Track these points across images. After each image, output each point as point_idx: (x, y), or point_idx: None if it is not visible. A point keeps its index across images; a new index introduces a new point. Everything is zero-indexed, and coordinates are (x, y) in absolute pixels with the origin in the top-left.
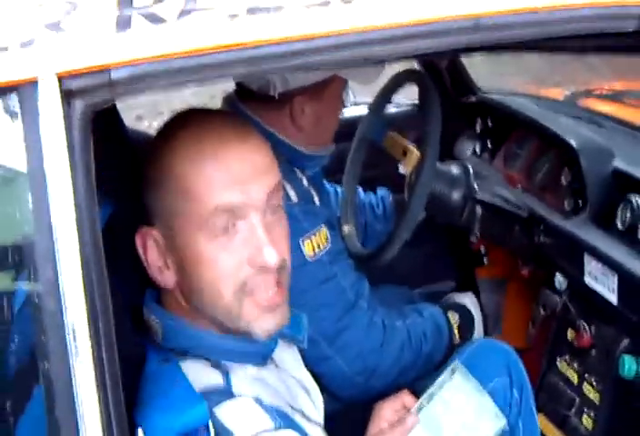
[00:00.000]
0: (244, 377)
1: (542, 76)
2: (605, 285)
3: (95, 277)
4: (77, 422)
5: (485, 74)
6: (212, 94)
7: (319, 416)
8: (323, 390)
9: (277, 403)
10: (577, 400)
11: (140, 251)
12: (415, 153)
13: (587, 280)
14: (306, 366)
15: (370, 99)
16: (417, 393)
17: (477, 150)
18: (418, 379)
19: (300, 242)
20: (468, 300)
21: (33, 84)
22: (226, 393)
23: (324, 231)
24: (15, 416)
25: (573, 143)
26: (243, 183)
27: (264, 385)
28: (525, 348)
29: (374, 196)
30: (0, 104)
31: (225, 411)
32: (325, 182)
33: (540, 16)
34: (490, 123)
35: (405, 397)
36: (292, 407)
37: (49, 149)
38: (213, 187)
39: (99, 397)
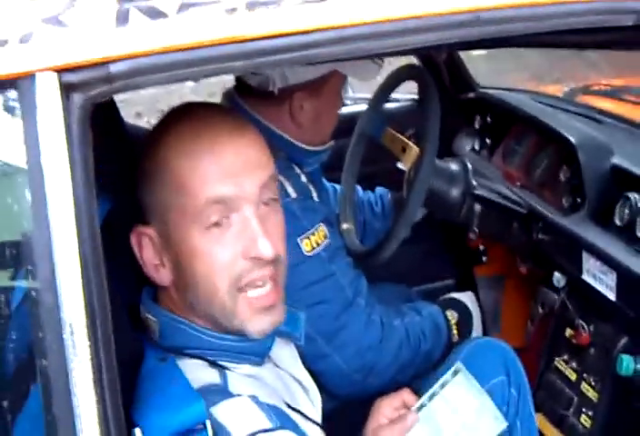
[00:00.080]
0: (241, 376)
1: (541, 72)
2: (603, 282)
3: (93, 273)
4: (75, 420)
5: (484, 70)
6: (211, 92)
7: (317, 415)
8: (320, 388)
9: (275, 402)
10: (575, 398)
11: (135, 249)
12: (413, 149)
13: (585, 277)
14: (304, 364)
15: (369, 95)
16: (416, 392)
17: (476, 146)
18: (416, 377)
19: (299, 240)
20: (467, 298)
21: (31, 77)
22: (223, 392)
23: (322, 229)
24: (13, 414)
25: (572, 139)
26: (236, 176)
27: (261, 384)
28: (523, 346)
29: (372, 194)
30: None
31: (222, 411)
32: (323, 179)
33: (539, 10)
34: (489, 120)
35: (406, 395)
36: (289, 406)
37: (47, 143)
38: (207, 180)
39: (97, 394)
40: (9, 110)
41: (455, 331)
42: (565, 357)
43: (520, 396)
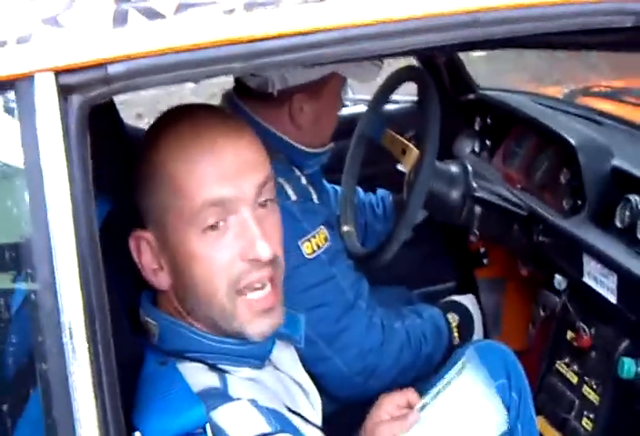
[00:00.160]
0: (241, 379)
1: (541, 74)
2: (604, 285)
3: (92, 275)
4: (74, 424)
5: (484, 71)
6: (212, 93)
7: (317, 418)
8: (321, 390)
9: (275, 406)
10: (577, 401)
11: (134, 254)
12: (414, 151)
13: (586, 279)
14: (305, 366)
15: (369, 96)
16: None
17: (476, 148)
18: (417, 380)
19: (299, 243)
20: (468, 300)
21: (29, 79)
22: (223, 396)
23: (323, 231)
24: (13, 418)
25: (572, 141)
26: (234, 178)
27: (261, 387)
28: (524, 349)
29: (374, 196)
30: None
31: (221, 414)
32: (324, 181)
33: (539, 11)
34: (489, 121)
35: (410, 394)
36: (290, 409)
37: (46, 144)
38: (204, 182)
39: (96, 398)
40: (7, 111)
41: (455, 334)
42: (567, 360)
43: (521, 399)
